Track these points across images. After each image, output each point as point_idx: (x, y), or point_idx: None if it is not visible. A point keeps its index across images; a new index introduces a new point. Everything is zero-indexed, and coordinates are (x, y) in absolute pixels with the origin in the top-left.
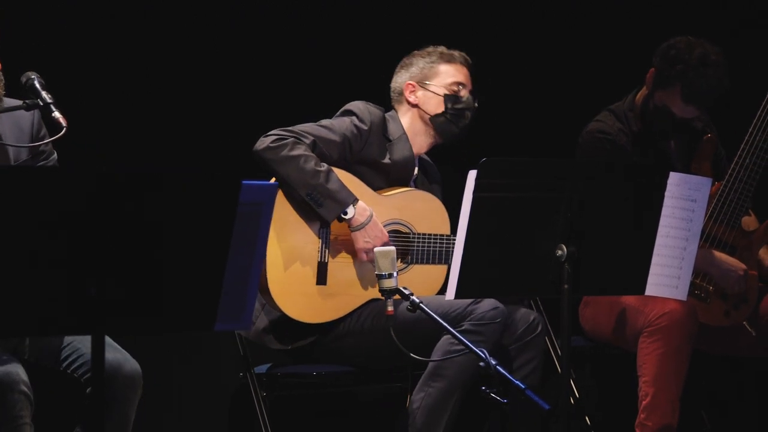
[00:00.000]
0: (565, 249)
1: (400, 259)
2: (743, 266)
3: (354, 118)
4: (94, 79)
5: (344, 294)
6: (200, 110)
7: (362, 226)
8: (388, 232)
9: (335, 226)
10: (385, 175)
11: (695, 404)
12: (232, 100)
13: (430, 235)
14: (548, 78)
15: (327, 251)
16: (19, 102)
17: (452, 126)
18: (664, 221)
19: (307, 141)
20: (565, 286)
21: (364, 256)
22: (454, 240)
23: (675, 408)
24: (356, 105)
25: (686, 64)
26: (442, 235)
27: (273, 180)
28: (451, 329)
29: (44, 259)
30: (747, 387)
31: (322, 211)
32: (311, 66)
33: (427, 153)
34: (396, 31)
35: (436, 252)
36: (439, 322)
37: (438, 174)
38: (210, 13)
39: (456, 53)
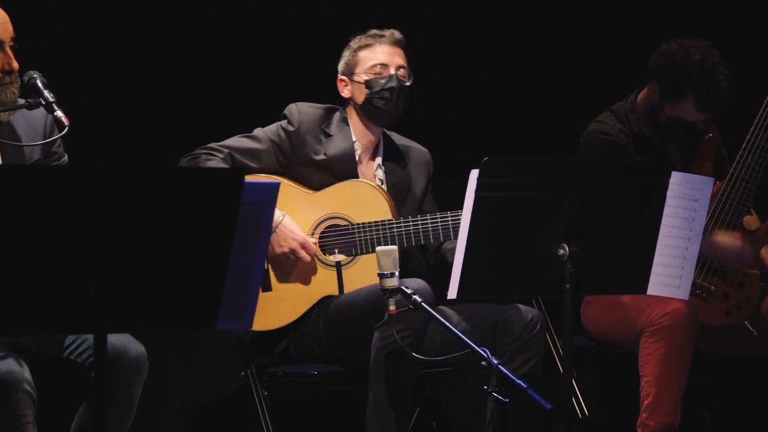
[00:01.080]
0: (567, 248)
1: (338, 252)
2: (738, 241)
3: (284, 121)
4: (94, 78)
5: (293, 297)
6: (201, 109)
7: (272, 231)
8: (326, 227)
9: None
10: (327, 172)
11: (697, 404)
12: (233, 101)
13: (371, 223)
14: (550, 78)
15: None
16: (22, 101)
17: (377, 110)
18: (665, 221)
19: (220, 155)
20: (567, 286)
21: (291, 259)
22: (398, 224)
23: (677, 407)
24: (289, 107)
25: (694, 75)
26: (384, 221)
27: None
28: (453, 328)
29: (46, 258)
30: (749, 387)
31: None
32: (310, 66)
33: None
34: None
35: (380, 239)
36: (441, 321)
37: (421, 155)
38: (209, 12)
39: (375, 34)
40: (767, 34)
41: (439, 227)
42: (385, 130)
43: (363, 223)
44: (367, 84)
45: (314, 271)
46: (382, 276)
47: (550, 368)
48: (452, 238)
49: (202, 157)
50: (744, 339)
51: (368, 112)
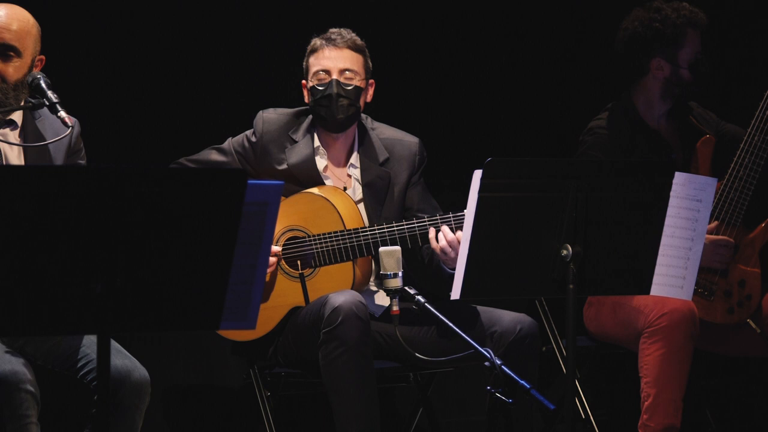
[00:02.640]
0: (570, 249)
1: (301, 264)
2: (714, 237)
3: (249, 131)
4: (98, 79)
5: (266, 308)
6: (203, 109)
7: None
8: (287, 240)
9: None
10: (293, 181)
11: (700, 404)
12: (235, 104)
13: (326, 234)
14: (551, 78)
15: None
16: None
17: (321, 118)
18: (669, 221)
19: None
20: (570, 286)
21: None
22: (350, 234)
23: (677, 408)
24: (257, 116)
25: (671, 14)
26: (337, 232)
27: None
28: (457, 329)
29: (50, 258)
30: (752, 386)
31: None
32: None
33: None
34: (394, 32)
35: (336, 250)
36: (445, 322)
37: (406, 147)
38: (210, 13)
39: (325, 36)
40: (764, 34)
41: (397, 235)
42: (369, 125)
43: (319, 235)
44: (311, 91)
45: (282, 283)
46: (385, 276)
47: (553, 369)
48: (409, 246)
49: None
50: (747, 337)
51: (316, 118)
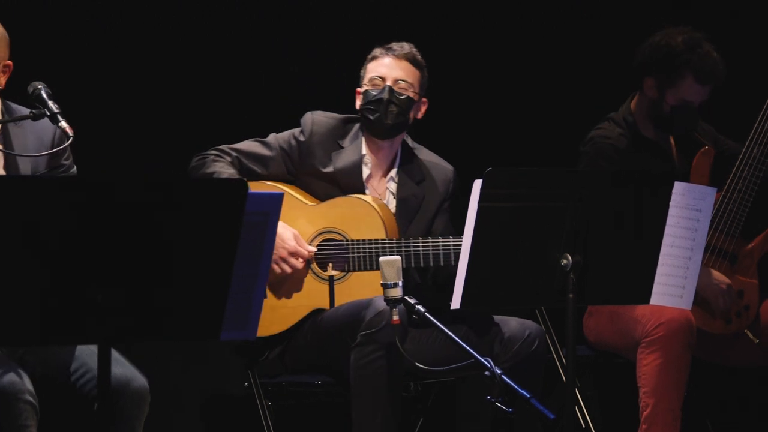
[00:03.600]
0: (570, 258)
1: (332, 267)
2: (727, 280)
3: (296, 130)
4: (99, 89)
5: (286, 306)
6: (209, 118)
7: None
8: (323, 241)
9: None
10: (334, 185)
11: (701, 413)
12: (238, 111)
13: (365, 241)
14: (552, 87)
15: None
16: (27, 111)
17: (368, 121)
18: (669, 231)
19: (228, 158)
20: (570, 296)
21: (276, 269)
22: (390, 244)
23: (676, 417)
24: (305, 116)
25: (684, 52)
26: (377, 240)
27: None
28: (457, 338)
29: (50, 268)
30: (752, 396)
31: None
32: (310, 74)
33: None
34: (397, 38)
35: (373, 257)
36: (445, 332)
37: (441, 173)
38: (223, 20)
39: (386, 47)
40: (765, 44)
41: (431, 251)
42: (410, 144)
43: (357, 240)
44: (363, 95)
45: (308, 283)
46: (385, 286)
47: (553, 378)
48: (452, 263)
49: (210, 157)
50: (745, 348)
51: (363, 122)
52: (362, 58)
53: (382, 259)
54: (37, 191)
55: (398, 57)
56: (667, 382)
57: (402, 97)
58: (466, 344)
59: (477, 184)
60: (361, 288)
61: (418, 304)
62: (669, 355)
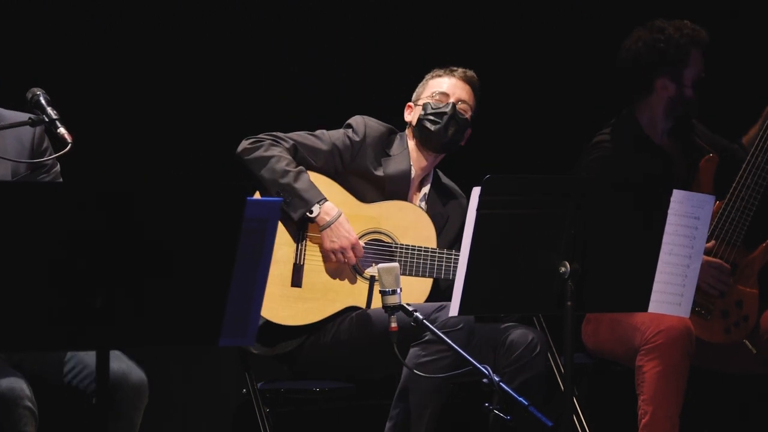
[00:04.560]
0: (568, 266)
1: (376, 267)
2: (719, 261)
3: (349, 130)
4: (98, 94)
5: (319, 299)
6: (204, 118)
7: (328, 225)
8: (370, 240)
9: (313, 230)
10: (379, 189)
11: (699, 422)
12: (238, 111)
13: (414, 246)
14: (551, 95)
15: (303, 254)
16: (25, 117)
17: (426, 130)
18: (667, 239)
19: (286, 144)
20: (569, 303)
21: (332, 257)
22: (441, 255)
23: (674, 425)
24: (355, 118)
25: (676, 34)
26: (428, 248)
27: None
28: (456, 347)
29: (48, 274)
30: (750, 405)
31: (289, 209)
32: (310, 74)
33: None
34: (403, 49)
35: (420, 264)
36: (443, 339)
37: (460, 199)
38: (210, 20)
39: (450, 70)
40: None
41: None
42: (435, 166)
43: (406, 245)
44: (424, 106)
45: (348, 280)
46: (383, 293)
47: (551, 386)
48: None
49: (267, 141)
50: (743, 357)
51: (419, 131)
52: (362, 59)
53: (380, 266)
54: (36, 196)
55: (463, 79)
56: (666, 389)
57: (462, 117)
58: (465, 351)
59: (476, 191)
60: (405, 292)
61: (416, 311)
62: (668, 363)
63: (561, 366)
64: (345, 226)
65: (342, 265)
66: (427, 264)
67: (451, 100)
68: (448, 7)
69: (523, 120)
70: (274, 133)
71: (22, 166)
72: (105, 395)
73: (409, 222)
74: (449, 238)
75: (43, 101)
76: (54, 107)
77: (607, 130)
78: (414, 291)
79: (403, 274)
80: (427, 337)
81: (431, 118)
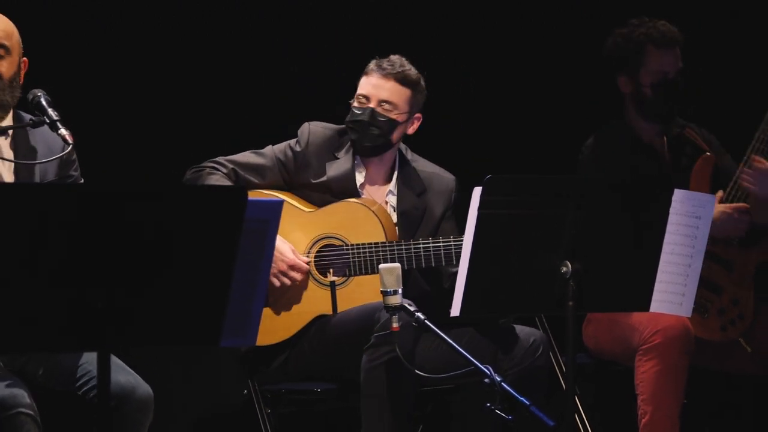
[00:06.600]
0: (569, 266)
1: (333, 273)
2: (732, 206)
3: (293, 140)
4: (100, 95)
5: (287, 314)
6: (210, 125)
7: None
8: (322, 247)
9: None
10: (328, 193)
11: (699, 421)
12: (238, 111)
13: (365, 244)
14: (551, 95)
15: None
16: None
17: (351, 139)
18: (668, 238)
19: (224, 170)
20: (570, 303)
21: (276, 282)
22: (390, 247)
23: (674, 424)
24: (302, 127)
25: (633, 32)
26: (377, 243)
27: None
28: (455, 345)
29: (49, 274)
30: (750, 403)
31: None
32: (310, 74)
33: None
34: (403, 49)
35: (374, 261)
36: (444, 339)
37: (443, 183)
38: (210, 20)
39: (378, 63)
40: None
41: (432, 252)
42: (408, 156)
43: (357, 244)
44: (350, 111)
45: (309, 290)
46: (385, 293)
47: (553, 386)
48: (454, 263)
49: (206, 170)
50: (740, 355)
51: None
52: (362, 59)
53: (381, 266)
54: (36, 198)
55: (386, 76)
56: (665, 389)
57: (383, 119)
58: (467, 352)
59: (477, 192)
60: (362, 292)
61: (417, 312)
62: (666, 362)
63: (562, 366)
64: (279, 248)
65: (307, 281)
66: (380, 259)
67: (371, 104)
68: (447, 7)
69: (523, 120)
70: (215, 159)
71: (50, 172)
72: (106, 396)
73: (354, 220)
74: (430, 228)
75: (44, 102)
76: (55, 108)
77: (603, 131)
78: (372, 289)
79: (360, 273)
80: (372, 341)
81: (351, 125)
